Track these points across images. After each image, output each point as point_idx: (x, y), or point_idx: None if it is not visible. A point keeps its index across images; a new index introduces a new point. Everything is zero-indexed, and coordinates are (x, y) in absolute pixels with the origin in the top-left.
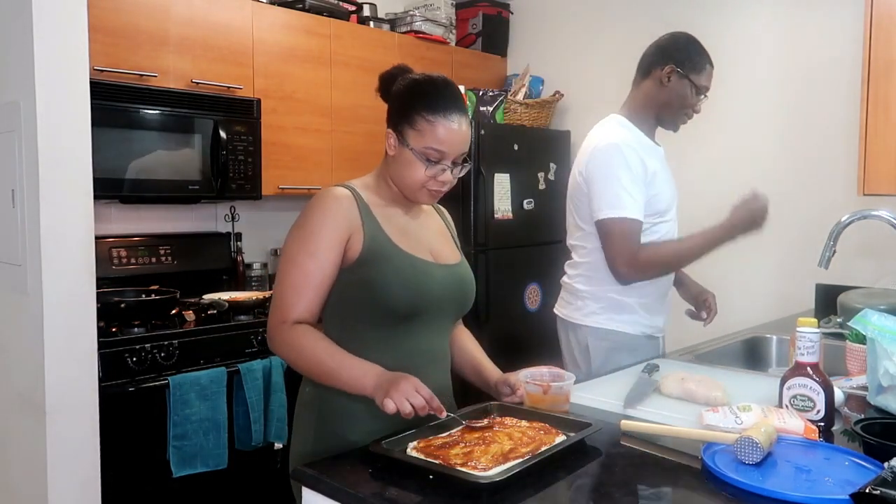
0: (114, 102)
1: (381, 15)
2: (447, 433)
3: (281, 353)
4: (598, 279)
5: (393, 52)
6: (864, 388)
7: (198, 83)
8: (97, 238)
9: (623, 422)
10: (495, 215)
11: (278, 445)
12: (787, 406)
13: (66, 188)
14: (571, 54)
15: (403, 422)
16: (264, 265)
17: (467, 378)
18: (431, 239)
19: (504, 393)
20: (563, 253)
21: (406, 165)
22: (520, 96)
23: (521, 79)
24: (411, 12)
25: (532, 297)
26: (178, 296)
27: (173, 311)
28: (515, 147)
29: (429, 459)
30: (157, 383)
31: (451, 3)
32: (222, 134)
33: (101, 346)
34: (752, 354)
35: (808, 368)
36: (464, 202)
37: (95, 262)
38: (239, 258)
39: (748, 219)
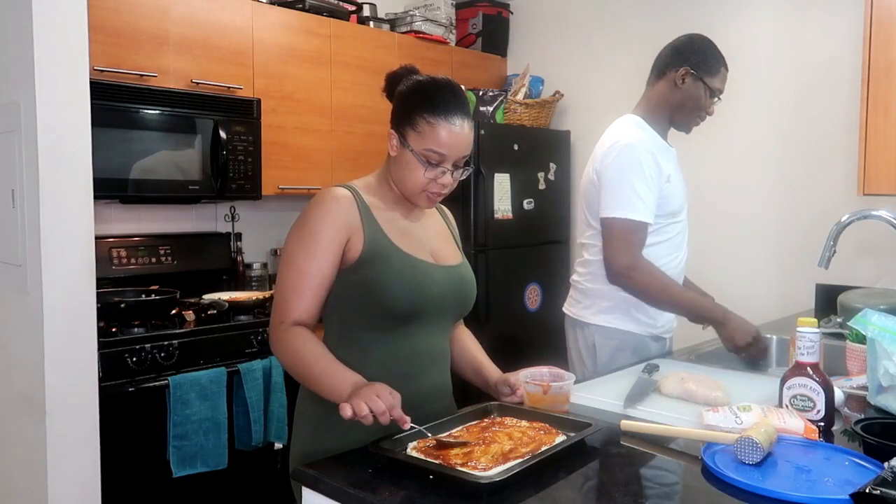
0: (114, 102)
1: (381, 15)
2: (447, 433)
3: (276, 353)
4: (606, 277)
5: (393, 52)
6: (864, 388)
7: (198, 83)
8: (97, 238)
9: (623, 422)
10: (495, 215)
11: (278, 445)
12: (787, 406)
13: (66, 188)
14: (571, 54)
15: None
16: (264, 265)
17: (467, 378)
18: (432, 240)
19: (504, 393)
20: (564, 253)
21: (406, 167)
22: (520, 96)
23: (521, 79)
24: (411, 12)
25: (532, 297)
26: (178, 296)
27: (173, 311)
28: (515, 147)
29: (429, 459)
30: (157, 383)
31: (451, 3)
32: (222, 134)
33: (101, 346)
34: None
35: (808, 368)
36: (464, 202)
37: (95, 262)
38: (239, 258)
39: (737, 338)
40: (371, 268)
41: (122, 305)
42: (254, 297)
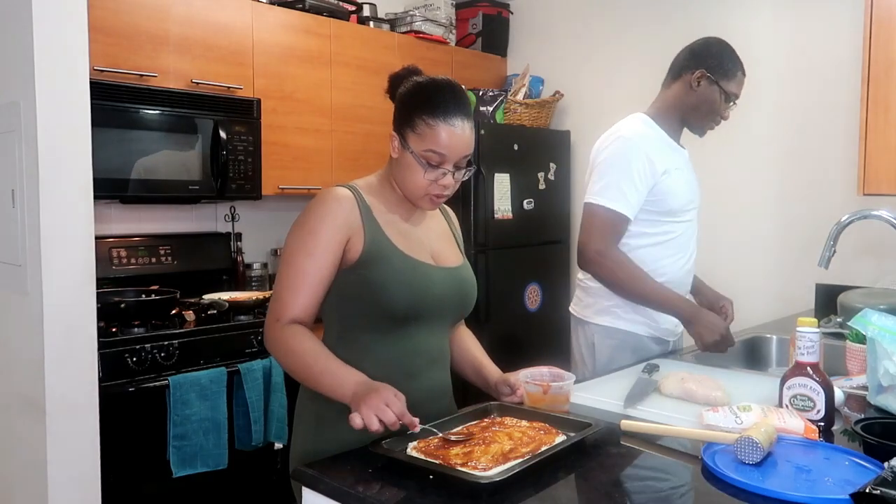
0: (114, 102)
1: (381, 15)
2: (447, 433)
3: (272, 351)
4: None
5: (393, 52)
6: (864, 388)
7: (198, 83)
8: (97, 238)
9: (623, 422)
10: (495, 215)
11: (278, 445)
12: (787, 406)
13: (66, 188)
14: (571, 54)
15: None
16: (264, 265)
17: (468, 378)
18: (433, 241)
19: (504, 393)
20: (564, 253)
21: (407, 168)
22: (520, 96)
23: (521, 79)
24: (411, 12)
25: (532, 297)
26: (178, 296)
27: (173, 311)
28: (515, 147)
29: (429, 459)
30: (157, 383)
31: (451, 3)
32: (222, 134)
33: (101, 346)
34: (752, 354)
35: (808, 368)
36: (464, 202)
37: (95, 262)
38: (239, 258)
39: (705, 335)
40: (371, 268)
41: (122, 305)
42: (254, 297)
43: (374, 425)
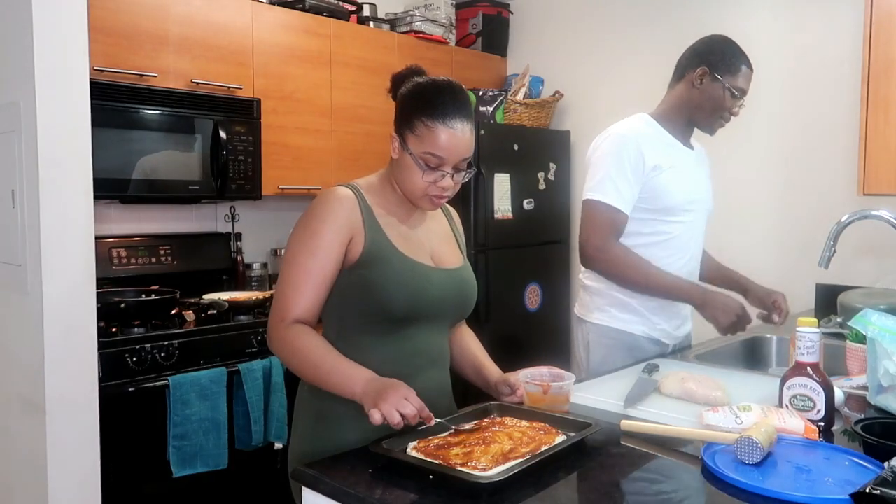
0: (114, 102)
1: (381, 15)
2: (449, 432)
3: (277, 351)
4: None
5: (393, 52)
6: (864, 388)
7: (198, 83)
8: (97, 238)
9: (623, 422)
10: (495, 215)
11: (278, 445)
12: (787, 406)
13: (66, 188)
14: (571, 54)
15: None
16: (264, 265)
17: (468, 378)
18: (434, 242)
19: (504, 393)
20: (564, 253)
21: (406, 170)
22: (520, 96)
23: (521, 79)
24: (411, 12)
25: (532, 297)
26: (178, 296)
27: (173, 311)
28: (515, 147)
29: (429, 459)
30: (157, 383)
31: (451, 3)
32: (222, 134)
33: (101, 346)
34: (752, 354)
35: (808, 368)
36: (464, 202)
37: (95, 262)
38: (239, 258)
39: (720, 318)
40: (371, 269)
41: (122, 305)
42: (254, 297)
43: (396, 418)
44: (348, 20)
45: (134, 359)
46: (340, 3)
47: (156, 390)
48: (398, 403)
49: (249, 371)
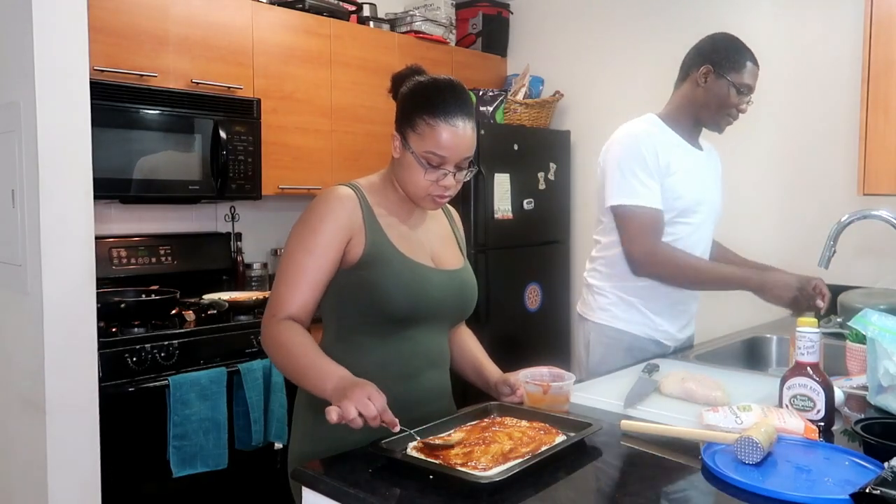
0: (114, 102)
1: (381, 15)
2: (446, 434)
3: (265, 346)
4: (610, 274)
5: (393, 52)
6: (864, 388)
7: (198, 83)
8: (97, 238)
9: (623, 422)
10: (495, 215)
11: (278, 445)
12: (787, 406)
13: (66, 188)
14: (571, 54)
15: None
16: (264, 265)
17: (468, 378)
18: (434, 243)
19: (504, 393)
20: (564, 253)
21: (408, 169)
22: (520, 96)
23: (521, 79)
24: (411, 12)
25: (532, 297)
26: (178, 296)
27: (173, 311)
28: (515, 147)
29: (429, 459)
30: (157, 383)
31: (451, 3)
32: (222, 134)
33: (101, 346)
34: (752, 354)
35: (808, 368)
36: (464, 202)
37: (95, 262)
38: (239, 258)
39: (783, 296)
40: (371, 270)
41: (122, 305)
42: (254, 297)
43: (351, 414)
44: (348, 20)
45: (134, 359)
46: (340, 3)
47: (156, 390)
48: (358, 401)
49: (249, 371)
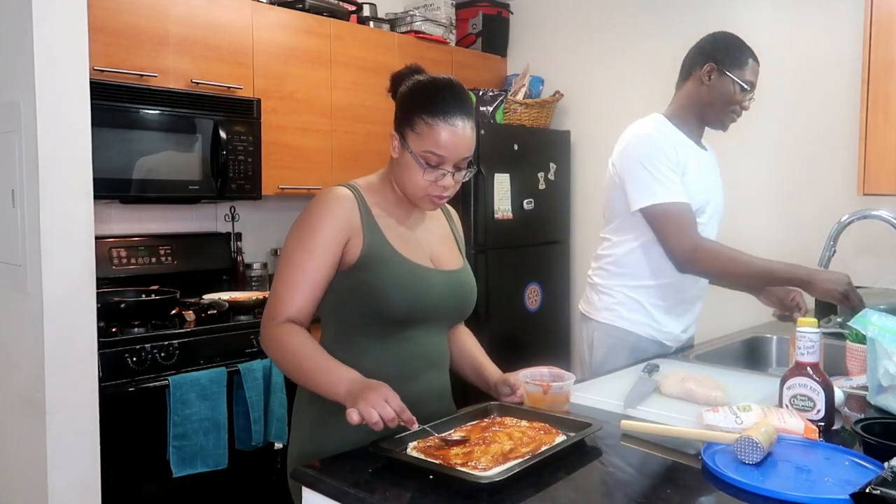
0: (114, 102)
1: (381, 15)
2: (447, 433)
3: (267, 350)
4: (616, 273)
5: (393, 52)
6: (864, 388)
7: (198, 83)
8: (97, 238)
9: (623, 422)
10: (495, 215)
11: (278, 445)
12: (787, 406)
13: (66, 188)
14: (571, 54)
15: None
16: (264, 265)
17: (467, 378)
18: (433, 244)
19: (504, 393)
20: (564, 253)
21: (406, 169)
22: (520, 96)
23: (521, 79)
24: (411, 12)
25: (532, 297)
26: (178, 296)
27: (173, 311)
28: (515, 147)
29: (429, 459)
30: (157, 383)
31: (451, 3)
32: (222, 134)
33: (101, 346)
34: (752, 354)
35: (808, 368)
36: (464, 202)
37: (95, 262)
38: (239, 258)
39: (833, 289)
40: (369, 271)
41: (122, 305)
42: (254, 297)
43: (374, 418)
44: (348, 20)
45: (134, 359)
46: (340, 3)
47: (156, 390)
48: (376, 404)
49: (249, 371)
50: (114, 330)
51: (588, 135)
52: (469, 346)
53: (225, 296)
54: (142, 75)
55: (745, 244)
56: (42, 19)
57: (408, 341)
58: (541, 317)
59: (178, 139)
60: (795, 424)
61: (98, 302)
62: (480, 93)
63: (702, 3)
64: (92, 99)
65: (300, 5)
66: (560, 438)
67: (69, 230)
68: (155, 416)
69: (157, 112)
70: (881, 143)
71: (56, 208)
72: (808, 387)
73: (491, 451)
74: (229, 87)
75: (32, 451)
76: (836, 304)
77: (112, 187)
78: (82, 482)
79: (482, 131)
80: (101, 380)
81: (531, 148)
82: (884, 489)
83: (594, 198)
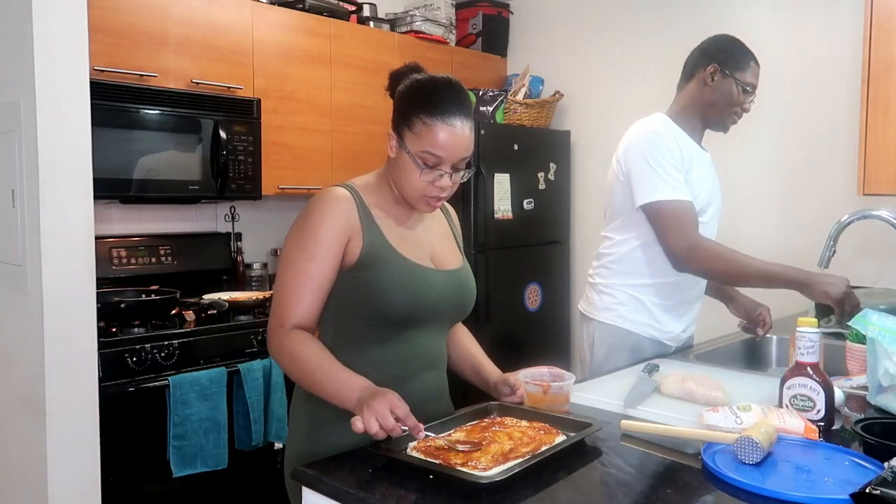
0: (114, 102)
1: (381, 15)
2: (446, 433)
3: (276, 358)
4: (618, 272)
5: (393, 52)
6: (864, 388)
7: (198, 83)
8: (97, 238)
9: (623, 422)
10: (495, 215)
11: (278, 445)
12: (787, 406)
13: (66, 188)
14: (571, 54)
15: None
16: (264, 265)
17: (467, 377)
18: (433, 243)
19: (504, 393)
20: (564, 253)
21: (403, 169)
22: (520, 96)
23: (521, 79)
24: (411, 12)
25: (532, 297)
26: (178, 296)
27: (173, 311)
28: (515, 147)
29: (429, 459)
30: (157, 383)
31: (451, 3)
32: (222, 134)
33: (101, 346)
34: (752, 354)
35: (808, 368)
36: (464, 202)
37: (95, 262)
38: (239, 258)
39: (832, 291)
40: (369, 271)
41: (122, 305)
42: (254, 297)
43: (373, 429)
44: (348, 20)
45: (134, 359)
46: (340, 3)
47: (156, 390)
48: (379, 413)
49: (249, 371)
50: (114, 330)
51: (588, 135)
52: (468, 346)
53: (225, 296)
54: (142, 75)
55: (745, 244)
56: (42, 19)
57: (407, 342)
58: (541, 317)
59: (178, 139)
60: (795, 424)
61: (98, 302)
62: (480, 93)
63: (702, 4)
64: (92, 99)
65: (300, 5)
66: (560, 438)
67: (69, 230)
68: (155, 416)
69: (157, 112)
70: (881, 143)
71: (56, 208)
72: (808, 387)
73: (491, 451)
74: (229, 87)
75: (32, 451)
76: (835, 305)
77: (112, 187)
78: (82, 482)
79: (482, 131)
80: (101, 380)
81: (531, 148)
82: (884, 489)
83: (594, 198)
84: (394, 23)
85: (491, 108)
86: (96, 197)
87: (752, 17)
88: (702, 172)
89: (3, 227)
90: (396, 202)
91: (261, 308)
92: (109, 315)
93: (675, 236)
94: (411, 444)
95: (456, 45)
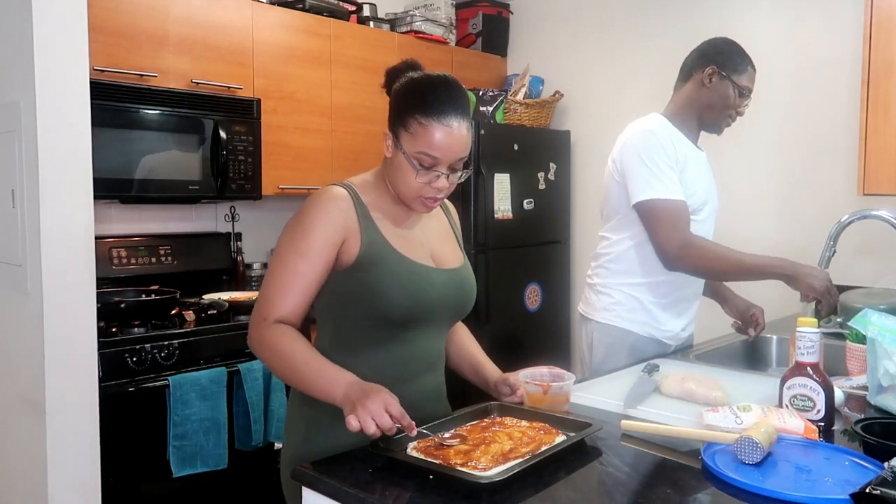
0: (114, 102)
1: (381, 15)
2: (447, 433)
3: (257, 351)
4: (615, 271)
5: (393, 52)
6: (864, 388)
7: (198, 83)
8: (97, 238)
9: (623, 422)
10: (495, 215)
11: (278, 445)
12: (787, 406)
13: (66, 188)
14: (571, 54)
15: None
16: (264, 265)
17: (466, 377)
18: (433, 241)
19: (504, 393)
20: (564, 253)
21: (399, 169)
22: (520, 96)
23: (521, 79)
24: (411, 12)
25: (532, 297)
26: (178, 296)
27: (173, 311)
28: (515, 147)
29: (429, 459)
30: (157, 383)
31: (451, 3)
32: (222, 134)
33: (101, 346)
34: (752, 354)
35: (808, 368)
36: (464, 202)
37: (95, 262)
38: (239, 258)
39: (816, 285)
40: (368, 272)
41: (122, 305)
42: (254, 297)
43: (371, 429)
44: (348, 20)
45: (134, 359)
46: (340, 3)
47: (156, 390)
48: (374, 412)
49: (249, 371)
50: (114, 330)
51: (588, 135)
52: (468, 345)
53: (225, 296)
54: (142, 75)
55: (744, 244)
56: (42, 19)
57: (407, 343)
58: (541, 317)
59: (178, 139)
60: (795, 424)
61: (98, 302)
62: (480, 93)
63: (702, 4)
64: (92, 99)
65: (300, 5)
66: (560, 438)
67: (69, 230)
68: (155, 416)
69: (157, 112)
70: (881, 143)
71: (56, 208)
72: (808, 387)
73: (491, 451)
74: (229, 87)
75: (32, 451)
76: (817, 297)
77: (112, 187)
78: (82, 482)
79: (482, 131)
80: (101, 380)
81: (531, 148)
82: (884, 489)
83: (594, 198)
84: (394, 23)
85: (491, 108)
86: (96, 197)
87: (752, 18)
88: (697, 172)
89: (3, 227)
90: (395, 201)
91: None
92: (109, 315)
93: (667, 235)
94: (411, 444)
95: (456, 45)
